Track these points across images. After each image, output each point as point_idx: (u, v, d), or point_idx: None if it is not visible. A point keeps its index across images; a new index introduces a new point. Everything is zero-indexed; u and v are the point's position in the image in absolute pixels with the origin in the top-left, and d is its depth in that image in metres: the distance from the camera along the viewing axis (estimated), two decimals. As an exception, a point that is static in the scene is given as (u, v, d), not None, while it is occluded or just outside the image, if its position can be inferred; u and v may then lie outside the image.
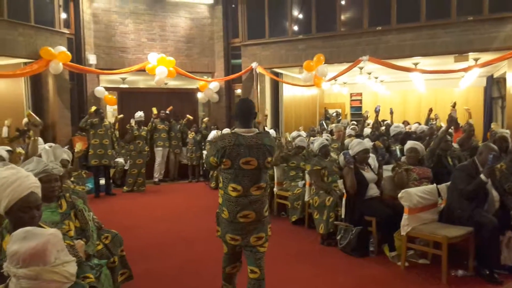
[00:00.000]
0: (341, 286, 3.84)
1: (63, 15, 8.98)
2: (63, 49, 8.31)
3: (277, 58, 10.14)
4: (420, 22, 8.82)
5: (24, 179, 2.06)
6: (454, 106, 8.59)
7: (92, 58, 9.34)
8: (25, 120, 6.83)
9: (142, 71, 9.42)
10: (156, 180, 9.33)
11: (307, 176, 5.55)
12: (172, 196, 8.15)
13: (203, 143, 9.40)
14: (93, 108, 8.04)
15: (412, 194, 4.07)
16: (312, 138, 7.24)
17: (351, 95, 15.75)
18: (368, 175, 4.73)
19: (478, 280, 3.79)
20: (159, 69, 9.15)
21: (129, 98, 9.88)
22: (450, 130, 6.12)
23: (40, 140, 7.15)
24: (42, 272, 1.48)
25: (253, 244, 2.85)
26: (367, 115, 8.84)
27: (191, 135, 9.42)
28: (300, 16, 10.42)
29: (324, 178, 5.36)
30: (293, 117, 11.65)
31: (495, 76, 11.36)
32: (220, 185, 2.89)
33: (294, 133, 7.45)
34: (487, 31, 8.16)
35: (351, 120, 14.06)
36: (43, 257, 1.49)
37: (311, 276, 4.04)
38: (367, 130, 8.23)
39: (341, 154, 4.93)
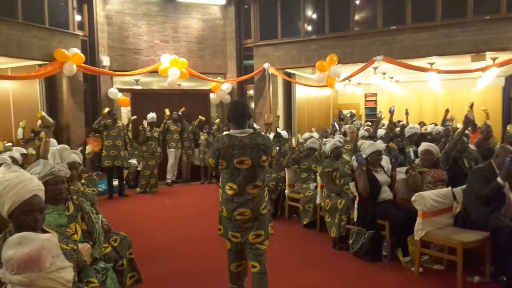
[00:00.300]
0: (352, 292, 3.76)
1: (77, 17, 9.07)
2: (77, 51, 8.38)
3: (290, 59, 10.07)
4: (435, 22, 8.66)
5: (27, 182, 2.04)
6: (471, 106, 8.40)
7: (105, 60, 9.41)
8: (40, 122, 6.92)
9: (155, 72, 9.45)
10: (169, 181, 9.34)
11: (318, 178, 5.46)
12: (184, 198, 8.15)
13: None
14: (106, 110, 8.09)
15: (426, 198, 3.95)
16: (324, 139, 7.14)
17: (366, 95, 15.56)
18: (381, 177, 4.63)
19: (495, 286, 3.66)
20: (172, 71, 9.17)
21: (142, 100, 9.92)
22: (466, 131, 5.99)
23: (54, 141, 7.25)
24: (36, 279, 1.45)
25: (252, 242, 2.93)
26: (380, 116, 8.69)
27: (203, 136, 9.41)
28: (313, 16, 10.33)
29: (336, 180, 5.27)
30: (306, 118, 11.55)
31: (514, 75, 11.10)
32: (220, 184, 3.02)
33: (306, 135, 7.37)
34: (505, 30, 7.97)
35: (366, 121, 13.89)
36: (38, 263, 1.46)
37: (322, 281, 3.96)
38: (381, 131, 8.09)
39: (354, 156, 4.85)
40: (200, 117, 9.64)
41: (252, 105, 10.60)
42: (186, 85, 11.55)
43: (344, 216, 4.84)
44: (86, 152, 5.22)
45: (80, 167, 4.36)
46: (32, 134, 7.61)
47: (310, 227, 5.62)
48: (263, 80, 10.26)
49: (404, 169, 5.10)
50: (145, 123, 8.76)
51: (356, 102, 15.67)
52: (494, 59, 8.83)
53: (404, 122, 9.22)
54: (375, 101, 15.48)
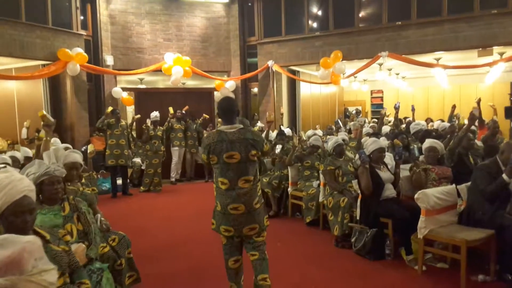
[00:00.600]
0: (354, 291, 3.70)
1: (80, 17, 9.08)
2: (80, 50, 8.40)
3: (294, 56, 10.00)
4: (441, 16, 8.53)
5: (17, 182, 2.01)
6: (479, 102, 8.26)
7: (109, 59, 9.42)
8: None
9: (159, 71, 9.44)
10: (173, 180, 9.33)
11: (321, 176, 5.41)
12: (188, 196, 8.13)
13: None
14: (110, 109, 8.08)
15: (430, 195, 3.88)
16: (328, 136, 7.08)
17: (372, 92, 15.45)
18: (384, 175, 4.57)
19: (499, 285, 3.58)
20: (175, 69, 9.15)
21: (146, 98, 9.92)
22: (472, 128, 5.88)
23: (57, 140, 7.27)
24: (18, 282, 1.41)
25: (247, 234, 3.00)
26: (384, 112, 8.60)
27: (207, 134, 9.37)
28: (317, 12, 10.24)
29: (339, 178, 5.21)
30: (311, 115, 11.49)
31: (522, 70, 10.91)
32: (214, 180, 3.09)
33: (310, 132, 7.31)
34: (512, 24, 7.83)
35: (372, 118, 13.78)
36: (19, 265, 1.43)
37: (324, 279, 3.91)
38: (386, 128, 8.00)
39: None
40: (204, 115, 9.62)
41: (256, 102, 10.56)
42: (191, 83, 11.54)
43: (347, 214, 4.78)
44: (88, 151, 5.20)
45: (82, 167, 4.33)
46: (37, 134, 7.64)
47: (313, 225, 5.56)
48: (267, 77, 10.21)
49: (408, 166, 5.02)
50: (148, 122, 8.75)
51: (362, 99, 15.58)
52: (501, 54, 8.69)
53: (410, 118, 9.11)
54: (381, 97, 15.36)
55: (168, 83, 9.94)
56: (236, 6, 10.51)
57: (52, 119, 4.04)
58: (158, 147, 8.61)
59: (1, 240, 1.48)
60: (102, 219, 3.60)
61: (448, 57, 9.41)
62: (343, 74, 9.60)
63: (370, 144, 4.61)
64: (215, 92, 10.62)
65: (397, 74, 12.96)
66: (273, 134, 7.61)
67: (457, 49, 8.50)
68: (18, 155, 5.07)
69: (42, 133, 3.99)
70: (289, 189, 6.13)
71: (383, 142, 4.84)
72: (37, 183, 2.79)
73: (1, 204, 1.96)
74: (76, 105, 8.78)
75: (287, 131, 7.67)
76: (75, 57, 8.23)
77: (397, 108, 7.70)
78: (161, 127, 8.85)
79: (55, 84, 8.79)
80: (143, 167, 8.86)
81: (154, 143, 8.58)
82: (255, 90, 10.82)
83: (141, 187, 8.59)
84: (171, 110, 9.10)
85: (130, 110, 11.77)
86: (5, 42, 7.45)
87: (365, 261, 4.29)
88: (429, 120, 10.44)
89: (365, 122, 8.83)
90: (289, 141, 7.00)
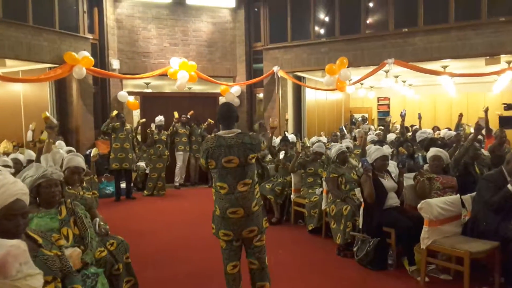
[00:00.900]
0: (354, 301, 3.64)
1: (87, 21, 9.14)
2: (86, 54, 8.44)
3: (299, 62, 9.97)
4: (448, 24, 8.47)
5: (10, 185, 1.98)
6: (486, 111, 8.17)
7: (115, 63, 9.46)
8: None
9: (165, 76, 9.46)
10: (177, 184, 9.31)
11: (324, 184, 5.35)
12: (191, 201, 8.09)
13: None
14: (115, 112, 8.09)
15: (433, 205, 3.81)
16: (332, 143, 7.02)
17: (378, 99, 15.38)
18: (388, 183, 4.49)
19: (504, 299, 3.51)
20: (181, 74, 9.16)
21: (151, 103, 9.93)
22: (479, 137, 5.80)
23: (62, 143, 7.29)
24: (2, 286, 1.38)
25: (246, 237, 3.03)
26: (389, 120, 8.53)
27: (211, 139, 9.34)
28: (323, 18, 10.22)
29: (341, 186, 5.15)
30: (316, 122, 11.43)
31: (531, 79, 10.77)
32: (213, 184, 3.14)
33: (314, 139, 7.27)
34: (520, 32, 7.74)
35: (378, 125, 13.70)
36: (3, 270, 1.40)
37: (324, 289, 3.85)
38: (391, 136, 7.93)
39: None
40: (209, 120, 9.60)
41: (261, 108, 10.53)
42: (197, 88, 11.54)
43: (349, 223, 4.71)
44: (92, 154, 5.20)
45: (84, 172, 4.32)
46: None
47: (316, 233, 5.50)
48: (273, 83, 10.19)
49: (413, 175, 4.96)
50: (153, 126, 8.76)
51: (368, 106, 15.50)
52: (509, 62, 8.60)
53: (417, 126, 9.03)
54: (388, 105, 15.28)
55: (174, 88, 9.96)
56: (242, 12, 10.52)
57: (55, 121, 4.04)
58: (162, 151, 8.61)
59: (-15, 244, 1.45)
60: (101, 223, 3.57)
61: (455, 65, 9.33)
62: (349, 80, 9.56)
63: (373, 151, 4.55)
64: (220, 97, 10.62)
65: (404, 81, 12.89)
66: (277, 140, 7.57)
67: (464, 57, 8.42)
68: (21, 157, 5.08)
69: (44, 136, 3.99)
70: (292, 196, 6.08)
71: (387, 150, 4.76)
72: (35, 186, 2.78)
73: (-7, 207, 1.93)
74: (82, 108, 8.81)
75: (292, 137, 7.63)
76: (82, 61, 8.27)
77: (403, 116, 7.63)
78: (165, 132, 8.85)
79: (61, 87, 8.84)
80: (147, 171, 8.86)
81: (158, 147, 8.58)
82: (261, 95, 10.80)
83: (145, 191, 8.58)
84: (176, 114, 9.10)
85: (137, 114, 11.79)
86: (12, 44, 7.50)
87: (367, 270, 4.22)
88: (436, 129, 10.33)
89: (369, 129, 8.76)
90: (293, 148, 6.95)
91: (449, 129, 9.35)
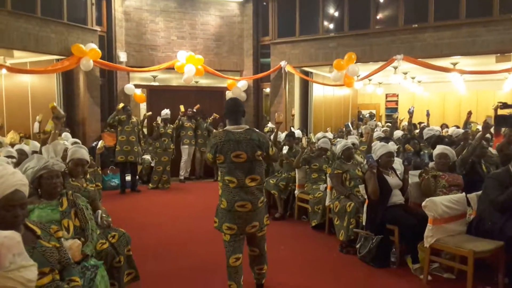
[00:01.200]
0: (356, 298, 3.62)
1: (95, 13, 9.14)
2: (94, 46, 8.46)
3: (307, 57, 9.91)
4: (459, 20, 8.34)
5: (9, 176, 1.98)
6: (496, 109, 8.05)
7: (122, 56, 9.47)
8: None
9: (172, 69, 9.45)
10: (182, 178, 9.33)
11: (328, 180, 5.31)
12: (196, 195, 8.11)
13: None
14: (121, 105, 8.10)
15: (438, 203, 3.75)
16: (338, 139, 6.97)
17: (387, 95, 15.23)
18: (392, 180, 4.45)
19: (508, 299, 3.46)
20: (188, 67, 9.15)
21: (158, 96, 9.94)
22: (487, 135, 5.72)
23: (68, 135, 7.32)
24: (-6, 278, 1.38)
25: (248, 232, 3.12)
26: (397, 116, 8.44)
27: (217, 133, 9.33)
28: (333, 13, 10.12)
29: (346, 182, 5.12)
30: (323, 117, 11.37)
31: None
32: (219, 178, 3.19)
33: (319, 134, 7.22)
34: (532, 29, 7.61)
35: (386, 122, 13.58)
36: (-4, 261, 1.39)
37: (326, 285, 3.83)
38: (398, 133, 7.85)
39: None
40: (214, 114, 9.59)
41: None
42: (204, 82, 11.53)
43: (352, 219, 4.68)
44: (98, 147, 5.21)
45: (88, 163, 4.32)
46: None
47: (319, 229, 5.47)
48: (280, 78, 10.14)
49: (418, 172, 4.90)
50: (159, 119, 8.77)
51: (376, 102, 15.35)
52: (520, 59, 8.46)
53: (425, 123, 8.93)
54: (396, 101, 15.13)
55: (181, 81, 9.95)
56: (250, 5, 10.46)
57: (62, 112, 4.01)
58: (167, 144, 8.62)
59: (-22, 235, 1.45)
60: (104, 215, 3.57)
61: (465, 62, 9.20)
62: (357, 76, 9.47)
63: (378, 148, 4.51)
64: (227, 92, 10.59)
65: (413, 78, 12.75)
66: (283, 136, 7.53)
67: (474, 54, 8.30)
68: (26, 148, 5.10)
69: (48, 127, 3.98)
70: (296, 192, 6.05)
71: (392, 146, 4.71)
72: (36, 177, 2.78)
73: (-8, 197, 1.93)
74: (89, 100, 8.85)
75: (297, 132, 7.59)
76: (89, 53, 8.29)
77: (411, 113, 7.54)
78: (171, 125, 8.85)
79: (68, 79, 8.87)
80: (152, 164, 8.88)
81: (164, 141, 8.59)
82: (267, 90, 10.76)
83: (150, 184, 8.61)
84: (182, 108, 9.10)
85: (143, 107, 11.81)
86: (20, 36, 7.53)
87: (369, 268, 4.19)
88: (444, 126, 10.22)
89: (376, 125, 8.69)
90: (298, 143, 6.92)
91: (458, 127, 9.24)
